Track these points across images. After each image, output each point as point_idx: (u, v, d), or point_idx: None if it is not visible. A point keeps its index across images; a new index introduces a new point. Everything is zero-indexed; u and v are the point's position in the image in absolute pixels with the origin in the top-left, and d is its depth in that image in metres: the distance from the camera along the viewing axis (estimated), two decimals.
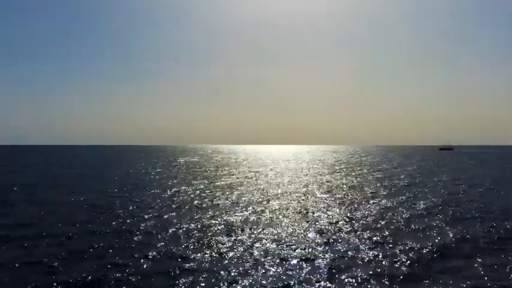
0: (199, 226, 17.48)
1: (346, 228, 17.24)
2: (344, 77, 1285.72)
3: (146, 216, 19.59)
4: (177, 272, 11.48)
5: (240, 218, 19.45)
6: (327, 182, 37.72)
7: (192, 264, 12.17)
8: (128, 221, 18.57)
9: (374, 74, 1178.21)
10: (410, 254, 13.20)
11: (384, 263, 12.38)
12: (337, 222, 18.56)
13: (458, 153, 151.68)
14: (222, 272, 11.45)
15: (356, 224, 17.99)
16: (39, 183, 35.46)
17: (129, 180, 38.16)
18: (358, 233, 16.31)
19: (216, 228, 17.02)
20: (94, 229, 16.75)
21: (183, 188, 32.37)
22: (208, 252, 13.43)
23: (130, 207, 22.26)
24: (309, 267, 11.92)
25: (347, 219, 19.14)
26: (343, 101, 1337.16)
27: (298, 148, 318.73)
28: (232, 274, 11.34)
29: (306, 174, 46.67)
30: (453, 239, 15.26)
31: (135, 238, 15.31)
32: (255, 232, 16.38)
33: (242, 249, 13.78)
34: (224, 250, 13.66)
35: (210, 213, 20.74)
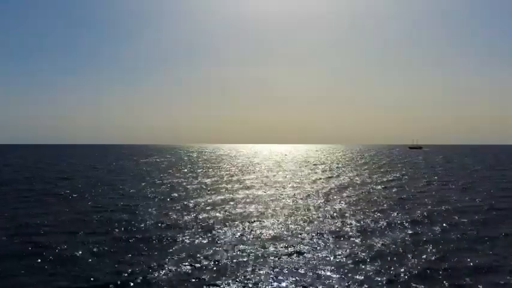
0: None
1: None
2: (344, 76, 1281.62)
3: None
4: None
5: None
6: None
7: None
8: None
9: (374, 74, 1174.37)
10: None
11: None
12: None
13: (423, 152, 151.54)
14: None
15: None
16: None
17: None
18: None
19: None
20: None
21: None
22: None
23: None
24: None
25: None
26: (343, 100, 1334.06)
27: (294, 147, 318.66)
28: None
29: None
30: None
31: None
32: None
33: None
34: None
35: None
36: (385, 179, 38.10)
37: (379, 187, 31.56)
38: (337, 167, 56.76)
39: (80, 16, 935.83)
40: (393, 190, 29.50)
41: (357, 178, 39.17)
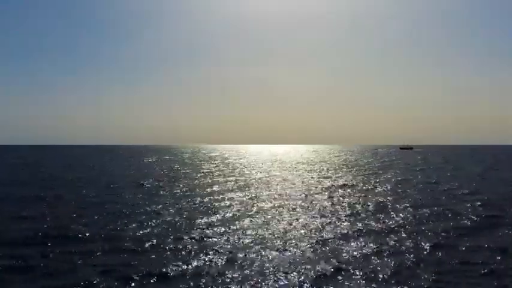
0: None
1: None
2: (344, 76, 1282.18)
3: None
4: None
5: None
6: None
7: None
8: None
9: (374, 74, 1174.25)
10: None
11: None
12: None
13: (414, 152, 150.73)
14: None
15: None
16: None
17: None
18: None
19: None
20: None
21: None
22: None
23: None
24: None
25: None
26: (343, 100, 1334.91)
27: (294, 148, 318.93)
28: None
29: None
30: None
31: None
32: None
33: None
34: None
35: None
36: (367, 182, 37.24)
37: (361, 189, 30.70)
38: (326, 169, 56.03)
39: (80, 16, 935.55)
40: (371, 194, 28.56)
41: (341, 180, 38.33)
